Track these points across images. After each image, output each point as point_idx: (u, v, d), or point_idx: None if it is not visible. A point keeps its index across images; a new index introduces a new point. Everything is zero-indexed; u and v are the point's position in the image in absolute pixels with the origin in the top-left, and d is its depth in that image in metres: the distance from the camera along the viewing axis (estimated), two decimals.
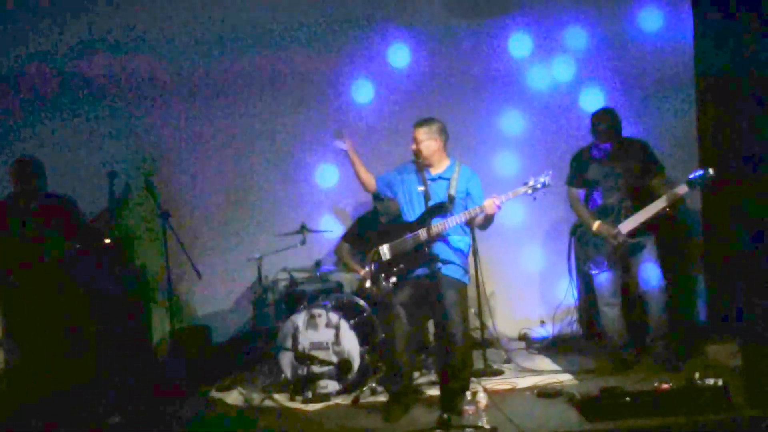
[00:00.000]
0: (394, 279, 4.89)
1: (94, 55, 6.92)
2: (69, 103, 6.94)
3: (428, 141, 4.97)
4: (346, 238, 6.46)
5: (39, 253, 5.40)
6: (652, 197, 5.41)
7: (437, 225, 4.80)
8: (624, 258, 5.52)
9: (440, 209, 4.85)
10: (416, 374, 5.62)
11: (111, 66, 6.95)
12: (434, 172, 5.03)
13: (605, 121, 5.48)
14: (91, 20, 6.89)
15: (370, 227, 6.06)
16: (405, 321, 4.93)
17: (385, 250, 4.96)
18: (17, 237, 5.41)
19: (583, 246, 5.66)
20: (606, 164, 5.52)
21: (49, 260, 5.41)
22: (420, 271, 4.90)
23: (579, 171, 5.68)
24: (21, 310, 5.44)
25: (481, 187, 5.01)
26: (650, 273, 5.50)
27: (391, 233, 5.00)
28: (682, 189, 5.27)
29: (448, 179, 4.92)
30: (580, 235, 5.73)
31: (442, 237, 4.84)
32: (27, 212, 5.47)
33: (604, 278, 5.59)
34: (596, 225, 5.50)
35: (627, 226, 5.41)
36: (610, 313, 5.62)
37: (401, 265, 4.90)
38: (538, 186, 4.78)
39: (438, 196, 4.90)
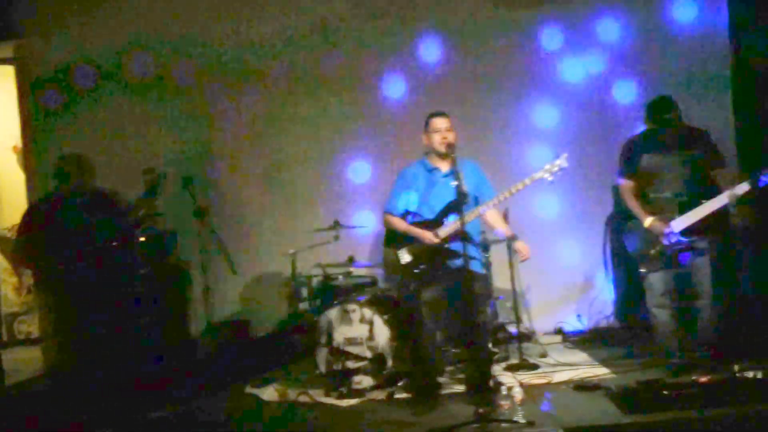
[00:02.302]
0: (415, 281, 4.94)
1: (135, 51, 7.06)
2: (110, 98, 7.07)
3: (453, 132, 4.99)
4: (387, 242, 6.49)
5: (83, 247, 5.50)
6: (712, 192, 5.04)
7: (456, 222, 4.77)
8: (678, 256, 5.13)
9: (458, 206, 4.83)
10: (450, 368, 5.62)
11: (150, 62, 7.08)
12: (444, 169, 5.00)
13: (668, 109, 5.14)
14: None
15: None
16: (430, 319, 4.97)
17: (404, 254, 4.94)
18: (63, 232, 5.51)
19: (634, 242, 5.30)
20: (662, 154, 5.14)
21: (94, 253, 5.51)
22: (443, 269, 4.89)
23: (632, 161, 5.25)
24: (64, 306, 5.54)
25: (484, 174, 5.10)
26: (702, 280, 5.13)
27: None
28: (744, 187, 4.86)
29: (457, 175, 4.82)
30: (630, 229, 5.35)
31: (461, 232, 4.78)
32: (72, 207, 5.58)
33: (655, 278, 5.20)
34: (649, 221, 5.10)
35: (681, 223, 5.02)
36: (661, 316, 5.21)
37: (422, 266, 4.89)
38: (555, 169, 4.77)
39: (451, 193, 4.83)
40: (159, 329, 5.94)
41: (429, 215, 5.02)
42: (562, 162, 4.80)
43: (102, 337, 5.47)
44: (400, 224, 5.04)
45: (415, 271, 4.93)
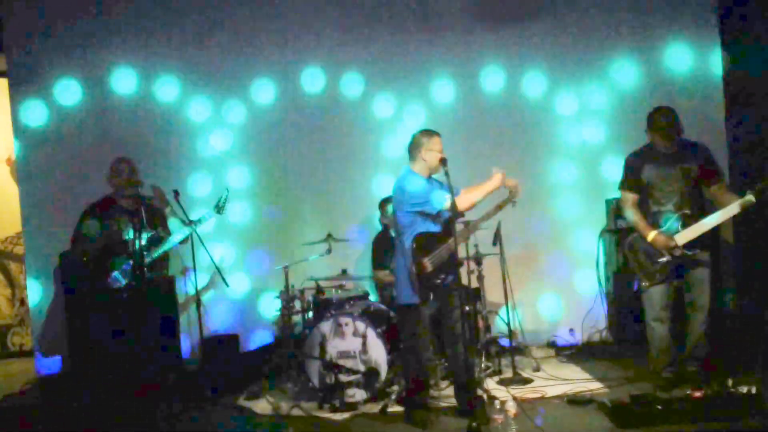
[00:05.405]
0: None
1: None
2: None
3: None
4: (375, 265, 6.49)
5: (129, 255, 5.61)
6: (711, 206, 5.08)
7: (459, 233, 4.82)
8: (678, 269, 5.14)
9: (460, 217, 4.88)
10: (444, 383, 5.61)
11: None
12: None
13: (667, 116, 5.09)
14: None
15: (385, 245, 6.27)
16: (428, 331, 5.03)
17: (427, 263, 4.91)
18: (111, 236, 5.66)
19: (635, 256, 5.26)
20: (663, 167, 5.13)
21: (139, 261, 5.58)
22: (450, 279, 4.90)
23: (634, 173, 5.25)
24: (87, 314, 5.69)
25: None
26: (701, 294, 5.12)
27: (428, 244, 4.93)
28: (747, 202, 4.87)
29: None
30: (631, 243, 5.30)
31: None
32: (123, 212, 5.70)
33: (656, 291, 5.18)
34: (652, 235, 5.09)
35: (685, 236, 5.03)
36: (659, 329, 5.20)
37: (442, 275, 4.89)
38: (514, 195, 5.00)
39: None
40: (151, 343, 5.93)
41: (435, 229, 4.97)
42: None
43: (112, 344, 5.56)
44: (472, 195, 4.88)
45: (437, 281, 4.89)
